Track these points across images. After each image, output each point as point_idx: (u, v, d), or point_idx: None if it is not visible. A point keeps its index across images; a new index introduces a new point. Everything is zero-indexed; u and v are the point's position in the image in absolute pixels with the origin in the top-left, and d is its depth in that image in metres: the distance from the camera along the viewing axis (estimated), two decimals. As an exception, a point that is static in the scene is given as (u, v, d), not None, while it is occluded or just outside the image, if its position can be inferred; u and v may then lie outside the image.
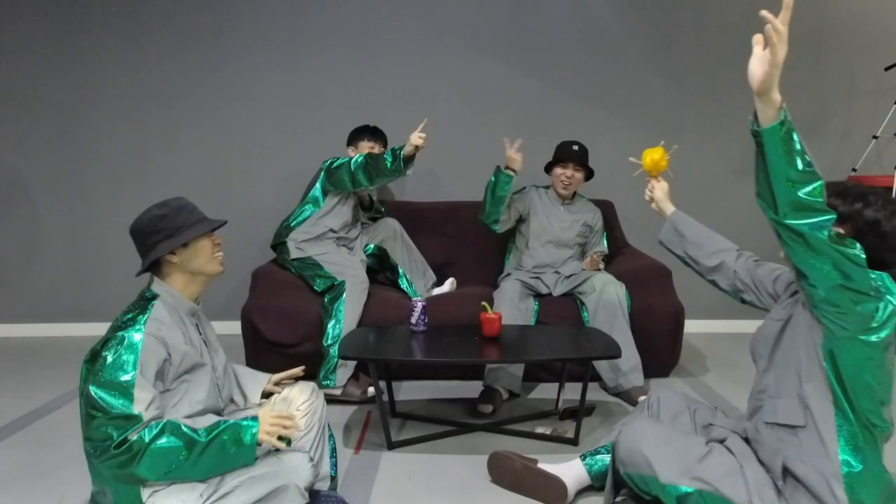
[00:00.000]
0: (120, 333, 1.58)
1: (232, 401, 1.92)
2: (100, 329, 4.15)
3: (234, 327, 3.44)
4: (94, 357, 1.58)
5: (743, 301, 1.95)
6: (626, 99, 4.01)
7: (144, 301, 1.68)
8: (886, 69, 3.78)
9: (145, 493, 1.57)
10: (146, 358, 1.57)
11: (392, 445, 2.42)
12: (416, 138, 2.89)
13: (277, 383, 2.01)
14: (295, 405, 1.88)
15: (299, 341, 3.05)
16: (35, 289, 4.15)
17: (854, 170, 3.88)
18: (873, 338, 1.50)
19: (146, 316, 1.62)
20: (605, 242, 3.40)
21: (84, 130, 4.05)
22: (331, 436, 1.98)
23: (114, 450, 1.49)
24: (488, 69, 3.99)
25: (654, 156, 2.14)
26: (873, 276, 1.49)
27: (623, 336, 2.87)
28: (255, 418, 1.61)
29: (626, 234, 3.82)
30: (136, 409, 1.51)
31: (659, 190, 2.21)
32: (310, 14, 3.96)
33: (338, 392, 2.87)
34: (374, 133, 3.37)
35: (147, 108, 4.04)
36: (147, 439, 1.50)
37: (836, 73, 3.98)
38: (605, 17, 3.97)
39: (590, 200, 3.43)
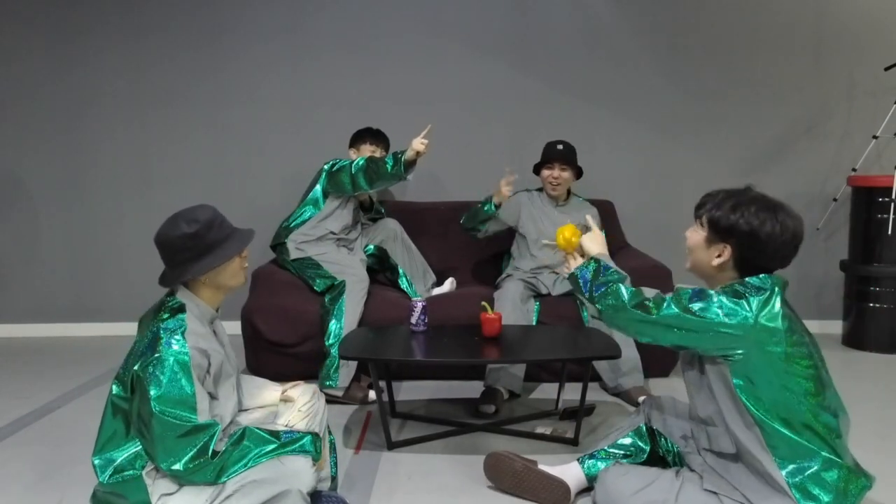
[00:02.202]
0: (166, 351, 1.58)
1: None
2: (100, 329, 4.16)
3: (234, 327, 3.44)
4: (135, 380, 1.59)
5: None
6: (626, 99, 4.01)
7: (173, 312, 1.67)
8: (886, 69, 3.78)
9: (154, 496, 1.61)
10: (196, 370, 1.61)
11: (392, 445, 2.42)
12: (419, 144, 2.89)
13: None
14: (296, 407, 1.89)
15: (299, 341, 3.05)
16: (35, 289, 4.15)
17: (854, 170, 3.88)
18: (774, 346, 1.56)
19: (184, 329, 1.63)
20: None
21: (84, 130, 4.05)
22: (331, 437, 1.98)
23: (212, 460, 1.57)
24: (488, 69, 3.99)
25: (565, 233, 2.20)
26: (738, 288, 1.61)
27: (623, 336, 2.86)
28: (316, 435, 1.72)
29: (626, 234, 3.82)
30: (201, 418, 1.57)
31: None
32: (310, 15, 3.96)
33: (339, 393, 2.87)
34: (375, 136, 3.37)
35: (147, 109, 4.04)
36: (231, 446, 1.60)
37: (836, 73, 3.98)
38: (605, 16, 3.97)
39: (587, 200, 3.42)
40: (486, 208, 3.15)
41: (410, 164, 2.95)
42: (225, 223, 1.74)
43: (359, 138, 3.38)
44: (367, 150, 3.32)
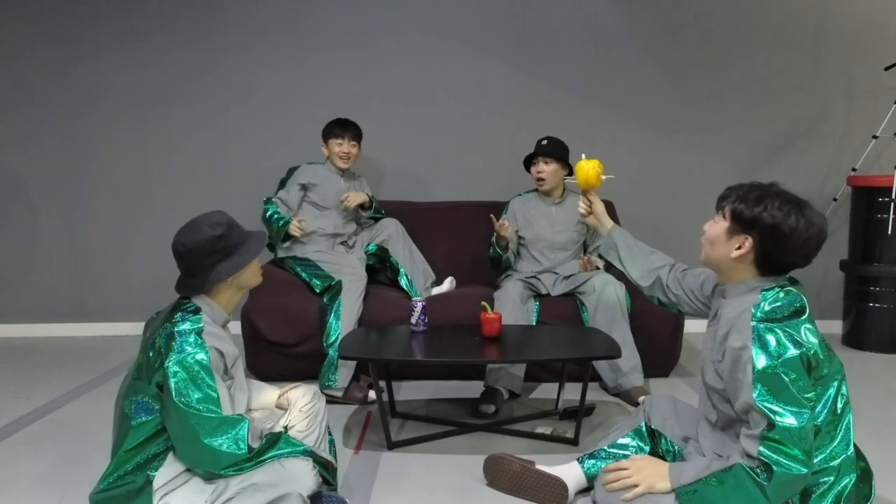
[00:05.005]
0: (185, 352, 1.61)
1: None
2: (100, 329, 4.16)
3: (234, 327, 3.43)
4: (161, 382, 1.61)
5: (680, 312, 1.99)
6: (626, 99, 4.01)
7: (188, 314, 1.69)
8: (886, 69, 3.78)
9: (156, 497, 1.62)
10: (214, 368, 1.64)
11: (392, 445, 2.42)
12: (294, 228, 3.14)
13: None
14: (297, 407, 1.88)
15: (299, 341, 3.05)
16: (35, 289, 4.15)
17: (854, 170, 3.88)
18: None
19: (200, 330, 1.66)
20: None
21: (84, 131, 4.06)
22: (331, 437, 1.98)
23: (246, 464, 1.60)
24: (488, 69, 3.99)
25: (583, 173, 2.25)
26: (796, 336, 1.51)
27: (623, 336, 2.86)
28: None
29: (626, 234, 3.82)
30: (225, 412, 1.61)
31: (598, 204, 2.26)
32: (310, 14, 3.96)
33: (339, 393, 2.87)
34: (343, 126, 3.34)
35: (147, 109, 4.04)
36: (265, 449, 1.64)
37: (836, 73, 3.98)
38: (605, 16, 3.97)
39: None
40: (501, 256, 3.15)
41: (286, 237, 3.16)
42: (240, 224, 1.80)
43: (328, 131, 3.37)
44: (335, 144, 3.32)
